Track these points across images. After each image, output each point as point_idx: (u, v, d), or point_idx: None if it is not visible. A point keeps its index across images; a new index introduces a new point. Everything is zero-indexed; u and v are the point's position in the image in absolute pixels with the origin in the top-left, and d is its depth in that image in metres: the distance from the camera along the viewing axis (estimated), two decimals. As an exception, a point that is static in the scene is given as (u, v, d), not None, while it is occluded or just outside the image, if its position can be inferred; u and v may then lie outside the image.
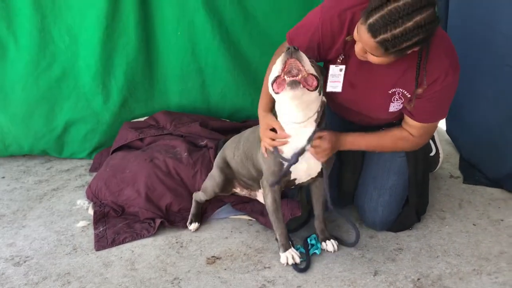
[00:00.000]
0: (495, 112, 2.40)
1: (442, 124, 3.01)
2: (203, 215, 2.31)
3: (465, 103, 2.58)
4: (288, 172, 1.90)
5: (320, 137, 1.82)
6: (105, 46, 2.78)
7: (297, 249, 2.00)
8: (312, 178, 1.99)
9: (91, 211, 2.39)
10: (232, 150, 2.20)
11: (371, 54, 1.62)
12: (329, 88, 1.87)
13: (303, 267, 1.91)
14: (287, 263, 1.93)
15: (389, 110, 1.90)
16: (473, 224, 2.18)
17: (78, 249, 2.11)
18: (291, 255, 1.94)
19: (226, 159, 2.22)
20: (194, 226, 2.21)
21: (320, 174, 1.96)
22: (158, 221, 2.22)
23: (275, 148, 1.86)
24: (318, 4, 2.34)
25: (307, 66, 1.67)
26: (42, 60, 2.79)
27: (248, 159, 2.08)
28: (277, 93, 1.70)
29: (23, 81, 2.81)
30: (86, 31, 2.77)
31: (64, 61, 2.83)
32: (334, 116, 2.19)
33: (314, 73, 1.69)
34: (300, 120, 1.78)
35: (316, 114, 1.81)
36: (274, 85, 1.70)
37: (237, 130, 2.87)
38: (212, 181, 2.22)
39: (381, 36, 1.51)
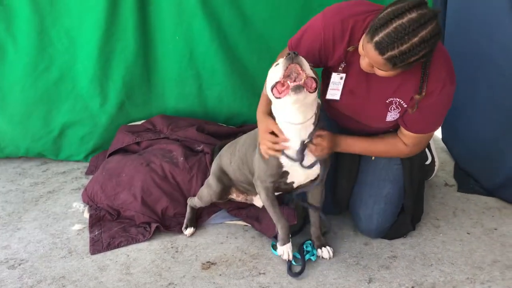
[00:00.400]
0: (491, 122, 2.42)
1: (437, 132, 3.03)
2: (198, 220, 2.32)
3: (461, 112, 2.60)
4: (286, 173, 1.91)
5: (320, 136, 1.84)
6: (103, 49, 2.78)
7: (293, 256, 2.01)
8: (310, 180, 1.98)
9: (86, 214, 2.39)
10: (228, 157, 2.20)
11: (379, 69, 1.64)
12: (328, 96, 1.90)
13: (297, 272, 1.92)
14: (282, 257, 1.96)
15: (386, 120, 1.92)
16: (467, 233, 2.19)
17: (74, 253, 2.11)
18: (287, 250, 1.96)
19: (223, 168, 2.22)
20: (189, 231, 2.21)
21: (316, 178, 1.97)
22: (153, 225, 2.22)
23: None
24: (315, 10, 2.35)
25: (308, 69, 1.69)
26: (40, 62, 2.80)
27: (244, 163, 2.09)
28: (278, 98, 1.71)
29: (21, 82, 2.81)
30: (84, 34, 2.78)
31: (62, 63, 2.83)
32: (331, 123, 2.20)
33: (314, 75, 1.72)
34: (300, 122, 1.79)
35: (314, 116, 1.83)
36: (275, 90, 1.71)
37: (233, 135, 2.88)
38: (209, 190, 2.22)
39: (389, 53, 1.53)
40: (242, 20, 2.89)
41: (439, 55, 1.71)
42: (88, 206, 2.45)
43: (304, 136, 1.83)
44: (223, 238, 2.20)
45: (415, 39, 1.49)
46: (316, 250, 2.05)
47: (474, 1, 2.45)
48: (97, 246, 2.14)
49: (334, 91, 1.88)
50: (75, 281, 1.92)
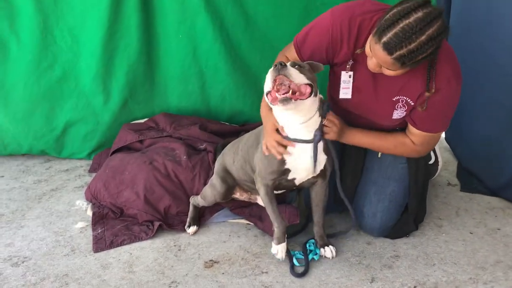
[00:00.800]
0: (494, 122, 2.41)
1: (441, 135, 3.02)
2: (201, 218, 2.32)
3: (464, 112, 2.59)
4: (287, 170, 1.92)
5: (334, 116, 1.88)
6: (107, 47, 2.79)
7: (294, 255, 2.01)
8: (312, 177, 1.99)
9: (90, 212, 2.39)
10: (231, 156, 2.21)
11: (387, 69, 1.67)
12: (341, 95, 1.92)
13: (301, 272, 1.92)
14: (276, 256, 1.98)
15: (392, 117, 1.93)
16: (470, 233, 2.19)
17: (77, 251, 2.12)
18: (280, 251, 1.97)
19: (226, 167, 2.22)
20: (192, 229, 2.22)
21: (320, 174, 1.98)
22: (156, 224, 2.23)
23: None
24: (318, 9, 2.36)
25: (297, 79, 1.71)
26: (43, 60, 2.80)
27: (247, 162, 2.10)
28: (272, 104, 1.76)
29: (24, 80, 2.82)
30: (87, 32, 2.78)
31: (65, 61, 2.84)
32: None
33: (306, 81, 1.74)
34: (302, 121, 1.82)
35: (317, 112, 1.84)
36: (268, 97, 1.76)
37: (236, 134, 2.89)
38: (212, 190, 2.22)
39: (397, 53, 1.56)
40: (245, 19, 2.89)
41: (444, 53, 1.72)
42: (91, 204, 2.46)
43: (312, 131, 1.84)
44: (225, 237, 2.20)
45: (423, 38, 1.52)
46: (319, 249, 2.05)
47: (478, 1, 2.45)
48: (100, 244, 2.15)
49: (346, 90, 1.91)
50: (78, 279, 1.93)
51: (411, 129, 1.93)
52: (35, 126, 2.95)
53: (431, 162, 2.43)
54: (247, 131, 2.66)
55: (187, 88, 3.03)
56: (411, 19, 1.51)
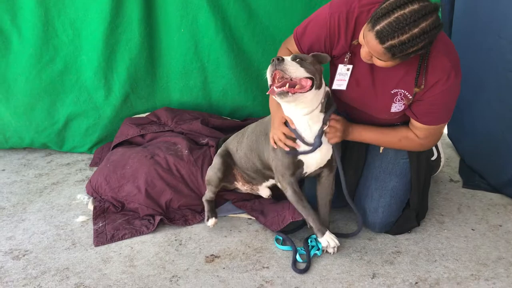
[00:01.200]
0: (498, 118, 2.40)
1: (444, 128, 3.01)
2: (202, 213, 2.32)
3: (468, 108, 2.58)
4: (301, 163, 1.95)
5: (335, 119, 1.91)
6: (108, 41, 2.78)
7: (298, 251, 2.01)
8: (319, 168, 2.03)
9: (91, 206, 2.39)
10: (235, 145, 2.24)
11: (378, 58, 1.67)
12: (334, 86, 1.93)
13: (303, 268, 1.92)
14: (327, 249, 1.98)
15: (391, 111, 1.92)
16: (472, 229, 2.18)
17: (77, 244, 2.12)
18: (331, 239, 1.98)
19: (229, 151, 2.28)
20: (211, 221, 2.19)
21: (326, 165, 2.02)
22: (157, 218, 2.23)
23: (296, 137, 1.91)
24: (320, 3, 2.35)
25: (294, 73, 1.74)
26: (45, 53, 2.79)
27: (253, 151, 2.13)
28: (273, 96, 1.78)
29: (25, 73, 2.81)
30: (89, 25, 2.77)
31: (67, 55, 2.83)
32: (341, 115, 2.21)
33: (306, 74, 1.76)
34: (305, 113, 1.86)
35: (320, 106, 1.87)
36: (271, 90, 1.77)
37: (238, 129, 2.87)
38: (213, 169, 2.25)
39: (389, 43, 1.56)
40: (248, 13, 2.88)
41: (443, 46, 1.72)
42: (92, 198, 2.46)
43: (312, 125, 1.88)
44: (226, 232, 2.20)
45: (416, 30, 1.52)
46: (322, 244, 2.05)
47: (482, -2, 2.44)
48: (101, 238, 2.14)
49: (341, 82, 1.91)
50: (78, 272, 1.93)
51: (414, 122, 1.93)
52: (36, 120, 2.95)
53: (433, 158, 2.41)
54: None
55: (189, 83, 3.03)
56: (407, 10, 1.51)
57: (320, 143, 1.90)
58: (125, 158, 2.53)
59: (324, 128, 1.90)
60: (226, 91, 3.06)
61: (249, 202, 2.36)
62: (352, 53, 1.87)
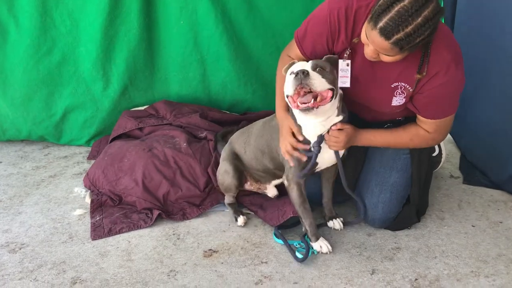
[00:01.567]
0: (500, 114, 2.38)
1: (452, 119, 2.99)
2: (200, 207, 2.30)
3: (470, 103, 2.56)
4: (315, 163, 1.93)
5: (340, 129, 1.88)
6: (107, 32, 2.75)
7: (297, 244, 2.01)
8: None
9: (88, 200, 2.37)
10: (242, 146, 2.21)
11: (385, 55, 1.64)
12: (340, 84, 1.90)
13: (301, 257, 1.91)
14: (322, 252, 1.96)
15: (392, 104, 1.91)
16: (472, 226, 2.17)
17: (74, 238, 2.10)
18: (324, 244, 1.97)
19: (237, 154, 2.24)
20: (241, 220, 2.17)
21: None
22: (156, 212, 2.21)
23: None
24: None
25: (320, 87, 1.72)
26: (42, 44, 2.76)
27: (265, 154, 2.11)
28: (293, 107, 1.78)
29: (23, 65, 2.79)
30: (87, 16, 2.74)
31: (65, 46, 2.80)
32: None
33: (329, 86, 1.75)
34: (322, 120, 1.85)
35: (336, 111, 1.87)
36: (289, 99, 1.77)
37: (237, 123, 2.86)
38: (227, 176, 2.21)
39: (395, 37, 1.54)
40: (248, 5, 2.85)
41: (442, 37, 1.70)
42: (89, 191, 2.44)
43: (327, 126, 1.87)
44: (225, 226, 2.18)
45: (419, 19, 1.50)
46: (327, 222, 2.12)
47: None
48: (98, 231, 2.13)
49: (344, 79, 1.89)
50: (75, 266, 1.91)
51: (419, 117, 1.91)
52: (34, 112, 2.92)
53: (434, 154, 2.40)
54: (248, 120, 2.64)
55: (188, 76, 3.00)
56: (406, 1, 1.49)
57: (319, 149, 1.88)
58: (123, 151, 2.50)
59: (323, 134, 1.87)
60: (226, 84, 3.04)
61: (248, 197, 2.34)
62: (352, 49, 1.85)
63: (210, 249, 2.02)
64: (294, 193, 2.00)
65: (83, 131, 3.02)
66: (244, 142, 2.21)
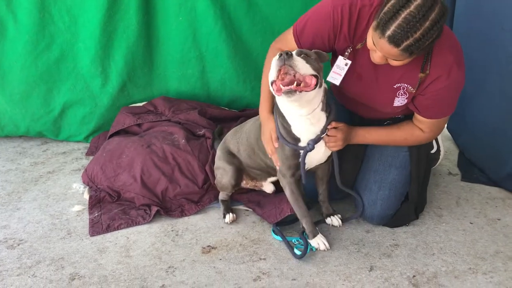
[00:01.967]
0: (499, 111, 2.38)
1: (447, 119, 3.00)
2: (199, 203, 2.30)
3: (468, 101, 2.56)
4: (303, 165, 1.92)
5: (336, 128, 1.87)
6: (105, 28, 2.74)
7: (295, 241, 2.01)
8: (320, 164, 2.03)
9: (86, 196, 2.37)
10: (235, 145, 2.20)
11: (395, 60, 1.63)
12: (329, 78, 1.89)
13: (299, 254, 1.91)
14: (319, 249, 1.96)
15: (394, 105, 1.91)
16: (470, 223, 2.17)
17: (73, 234, 2.10)
18: (321, 241, 1.97)
19: (231, 152, 2.23)
20: (229, 217, 2.17)
21: (326, 160, 2.02)
22: (154, 208, 2.21)
23: (288, 142, 1.89)
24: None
25: (303, 70, 1.66)
26: (41, 40, 2.75)
27: (257, 152, 2.10)
28: (277, 95, 1.72)
29: (21, 61, 2.77)
30: (86, 12, 2.73)
31: (63, 42, 2.79)
32: (339, 107, 2.19)
33: (313, 72, 1.70)
34: (306, 114, 1.81)
35: (321, 104, 1.83)
36: (273, 86, 1.71)
37: (235, 119, 2.86)
38: (225, 175, 2.20)
39: (404, 44, 1.53)
40: (247, 2, 2.84)
41: (444, 37, 1.68)
42: (88, 187, 2.44)
43: (319, 124, 1.85)
44: (223, 223, 2.18)
45: (427, 23, 1.49)
46: (326, 219, 2.11)
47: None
48: (97, 228, 2.13)
49: (336, 75, 1.87)
50: (74, 262, 1.91)
51: (418, 116, 1.91)
52: (32, 108, 2.91)
53: (433, 151, 2.40)
54: (247, 116, 2.63)
55: (186, 72, 2.99)
56: (412, 7, 1.48)
57: (313, 148, 1.86)
58: (121, 147, 2.50)
59: (322, 136, 1.87)
60: (225, 81, 3.03)
61: (246, 194, 2.35)
62: (354, 49, 1.83)
63: (208, 246, 2.02)
64: (286, 192, 2.01)
65: (82, 127, 3.01)
66: (237, 141, 2.19)
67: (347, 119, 2.14)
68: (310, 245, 1.97)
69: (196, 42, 2.90)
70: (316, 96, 1.77)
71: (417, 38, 1.51)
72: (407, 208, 2.12)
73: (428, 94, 1.80)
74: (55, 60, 2.81)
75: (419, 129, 1.94)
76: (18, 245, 2.03)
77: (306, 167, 1.98)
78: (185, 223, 2.18)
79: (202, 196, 2.35)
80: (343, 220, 2.14)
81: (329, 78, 1.89)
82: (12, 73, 2.81)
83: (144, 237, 2.07)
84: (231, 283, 1.79)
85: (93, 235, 2.08)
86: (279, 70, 1.65)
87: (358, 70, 1.87)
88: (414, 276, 1.83)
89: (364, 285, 1.78)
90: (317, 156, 1.94)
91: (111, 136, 2.75)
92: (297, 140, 1.88)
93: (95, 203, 2.30)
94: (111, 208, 2.25)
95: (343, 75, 1.86)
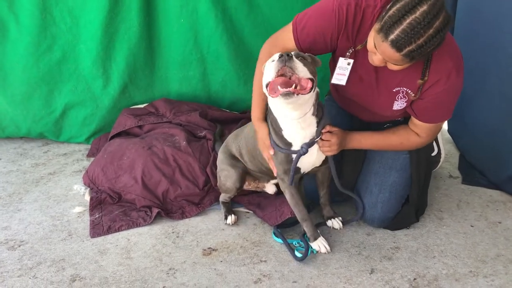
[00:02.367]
0: (499, 114, 2.38)
1: (444, 123, 3.00)
2: (200, 205, 2.31)
3: (469, 103, 2.56)
4: (298, 169, 1.93)
5: (330, 132, 1.87)
6: (107, 30, 2.74)
7: (296, 243, 2.01)
8: (316, 167, 2.02)
9: (87, 197, 2.37)
10: (237, 149, 2.21)
11: (395, 64, 1.63)
12: (333, 80, 1.89)
13: (300, 256, 1.91)
14: (320, 251, 1.96)
15: (393, 108, 1.91)
16: (471, 226, 2.17)
17: (74, 235, 2.10)
18: (322, 244, 1.97)
19: (234, 155, 2.23)
20: (230, 219, 2.18)
21: (324, 162, 2.01)
22: (155, 210, 2.21)
23: (282, 148, 1.88)
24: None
25: (302, 72, 1.66)
26: (42, 41, 2.76)
27: (256, 156, 2.10)
28: (272, 96, 1.70)
29: (23, 62, 2.78)
30: (88, 13, 2.73)
31: (65, 43, 2.80)
32: (339, 111, 2.19)
33: (309, 75, 1.70)
34: (298, 117, 1.80)
35: (312, 108, 1.83)
36: (269, 88, 1.69)
37: (236, 121, 2.87)
38: (229, 178, 2.19)
39: (407, 49, 1.53)
40: (248, 4, 2.85)
41: (445, 44, 1.67)
42: (89, 188, 2.44)
43: (306, 128, 1.84)
44: (224, 224, 2.18)
45: (431, 31, 1.49)
46: (326, 222, 2.12)
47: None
48: (98, 229, 2.13)
49: (340, 76, 1.87)
50: (74, 264, 1.91)
51: (415, 121, 1.91)
52: (33, 109, 2.92)
53: (433, 153, 2.40)
54: (248, 119, 2.63)
55: (187, 74, 3.00)
56: (417, 13, 1.47)
57: (306, 151, 1.85)
58: (122, 149, 2.50)
59: (316, 140, 1.87)
60: (226, 83, 3.03)
61: (246, 197, 2.35)
62: (355, 49, 1.82)
63: (209, 248, 2.02)
64: (286, 195, 2.01)
65: (83, 128, 3.02)
66: (239, 145, 2.19)
67: (347, 123, 2.13)
68: (311, 247, 1.97)
69: (197, 44, 2.91)
70: (309, 99, 1.78)
71: (419, 45, 1.50)
72: (408, 211, 2.12)
73: (426, 98, 1.79)
74: (57, 61, 2.82)
75: (415, 133, 1.94)
76: (19, 246, 2.03)
77: (302, 171, 1.98)
78: (185, 225, 2.18)
79: (202, 198, 2.35)
80: (344, 222, 2.14)
81: (333, 81, 1.88)
82: (13, 74, 2.81)
83: (144, 239, 2.07)
84: (232, 285, 1.79)
85: (94, 237, 2.08)
86: (278, 71, 1.64)
87: (359, 71, 1.86)
88: (415, 279, 1.83)
89: (365, 287, 1.78)
90: (310, 160, 1.93)
91: (112, 137, 2.75)
92: (289, 144, 1.87)
93: (96, 204, 2.30)
94: (112, 209, 2.25)
95: (347, 74, 1.85)
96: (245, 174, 2.22)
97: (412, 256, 1.96)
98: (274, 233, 2.07)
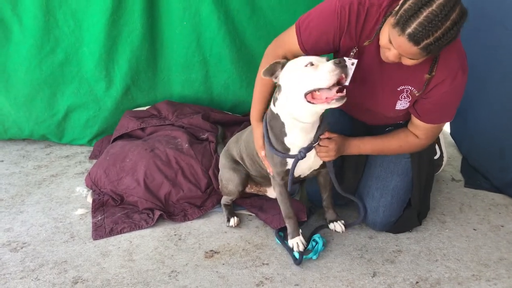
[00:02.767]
0: (501, 118, 2.38)
1: (446, 127, 3.00)
2: (202, 208, 2.30)
3: (471, 106, 2.56)
4: (292, 172, 1.92)
5: (329, 138, 1.87)
6: (110, 32, 2.75)
7: (310, 247, 2.01)
8: (314, 170, 2.02)
9: (90, 199, 2.37)
10: (238, 153, 2.21)
11: (410, 59, 1.62)
12: None
13: (298, 260, 1.91)
14: (293, 250, 1.96)
15: (396, 108, 1.89)
16: (474, 229, 2.17)
17: (76, 237, 2.10)
18: (296, 243, 1.97)
19: (236, 159, 2.23)
20: (233, 221, 2.18)
21: (323, 166, 2.01)
22: (157, 213, 2.21)
23: (279, 151, 1.88)
24: (325, -3, 2.30)
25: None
26: (46, 44, 2.76)
27: (255, 162, 2.11)
28: (312, 103, 1.70)
29: (26, 64, 2.78)
30: (91, 16, 2.74)
31: (68, 46, 2.80)
32: (341, 114, 2.18)
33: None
34: (312, 121, 1.81)
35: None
36: (309, 96, 1.69)
37: (239, 123, 2.87)
38: (231, 182, 2.19)
39: (424, 42, 1.51)
40: (251, 7, 2.85)
41: (453, 44, 1.67)
42: (91, 190, 2.44)
43: (310, 132, 1.84)
44: (226, 227, 2.18)
45: (448, 23, 1.47)
46: (329, 225, 2.13)
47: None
48: (100, 231, 2.13)
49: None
50: (77, 266, 1.91)
51: (415, 121, 1.90)
52: (36, 111, 2.92)
53: (436, 157, 2.40)
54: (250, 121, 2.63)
55: (190, 76, 3.00)
56: (434, 6, 1.46)
57: (304, 156, 1.85)
58: (124, 151, 2.51)
59: (314, 145, 1.87)
60: (228, 86, 3.04)
61: (249, 199, 2.34)
62: (360, 49, 1.80)
63: (211, 250, 2.02)
64: (276, 192, 2.03)
65: (85, 130, 3.02)
66: (239, 149, 2.20)
67: (349, 126, 2.13)
68: (287, 243, 1.99)
69: (200, 47, 2.91)
70: None
71: (437, 37, 1.49)
72: (410, 215, 2.12)
73: (431, 98, 1.79)
74: (60, 63, 2.82)
75: (413, 135, 1.93)
76: (22, 248, 2.03)
77: (299, 175, 1.99)
78: (188, 227, 2.18)
79: (205, 200, 2.35)
80: (346, 225, 2.14)
81: None
82: (16, 76, 2.82)
83: (147, 241, 2.07)
84: (234, 288, 1.79)
85: (96, 239, 2.08)
86: (337, 78, 1.65)
87: (363, 71, 1.84)
88: (417, 282, 1.83)
89: (367, 291, 1.78)
90: (306, 164, 1.93)
91: (115, 139, 2.75)
92: (287, 149, 1.88)
93: (98, 206, 2.30)
94: (114, 211, 2.26)
95: (351, 74, 1.83)
96: (247, 178, 2.21)
97: (414, 259, 1.96)
98: (277, 237, 2.07)
